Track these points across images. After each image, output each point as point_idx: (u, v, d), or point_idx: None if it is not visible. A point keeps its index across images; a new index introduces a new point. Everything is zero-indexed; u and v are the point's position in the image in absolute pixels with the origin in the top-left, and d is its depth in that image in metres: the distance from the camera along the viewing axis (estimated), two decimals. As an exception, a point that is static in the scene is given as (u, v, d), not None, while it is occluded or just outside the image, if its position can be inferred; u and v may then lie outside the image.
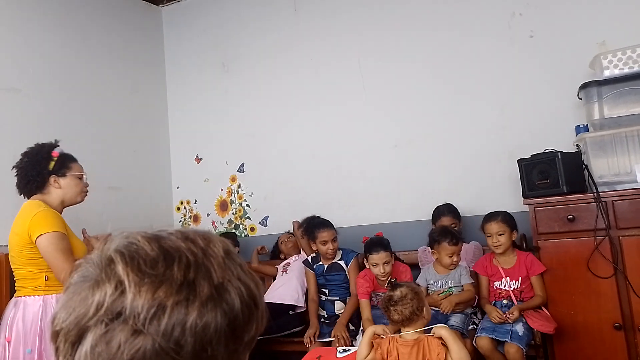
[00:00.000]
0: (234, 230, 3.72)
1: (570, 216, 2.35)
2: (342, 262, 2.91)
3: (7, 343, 1.98)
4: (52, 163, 2.15)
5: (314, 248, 2.92)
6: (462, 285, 2.53)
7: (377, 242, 2.63)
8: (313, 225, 2.92)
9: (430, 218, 2.91)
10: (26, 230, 2.00)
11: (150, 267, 0.48)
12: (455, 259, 2.51)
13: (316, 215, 3.06)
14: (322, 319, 2.86)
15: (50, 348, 1.53)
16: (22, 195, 2.17)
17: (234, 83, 3.85)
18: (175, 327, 0.46)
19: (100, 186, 3.28)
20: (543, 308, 2.41)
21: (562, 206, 2.38)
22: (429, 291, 2.57)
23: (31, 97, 3.00)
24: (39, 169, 2.13)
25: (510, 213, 2.57)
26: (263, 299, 0.56)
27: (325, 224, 2.89)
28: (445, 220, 2.77)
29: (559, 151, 2.45)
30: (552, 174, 2.43)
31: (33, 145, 2.19)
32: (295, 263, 3.11)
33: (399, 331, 2.06)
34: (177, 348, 0.45)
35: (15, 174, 2.16)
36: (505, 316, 2.29)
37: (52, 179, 2.15)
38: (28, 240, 1.99)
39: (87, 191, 2.27)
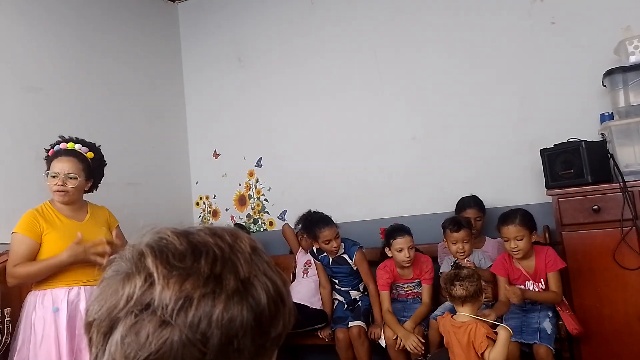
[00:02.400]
0: (244, 223, 3.73)
1: (596, 207, 2.29)
2: (345, 256, 2.85)
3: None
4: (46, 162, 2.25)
5: (316, 247, 2.86)
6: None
7: (399, 228, 2.61)
8: (312, 223, 2.79)
9: (452, 210, 2.84)
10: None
11: (179, 261, 0.49)
12: (460, 246, 2.46)
13: (313, 211, 2.95)
14: (344, 307, 2.85)
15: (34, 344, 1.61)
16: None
17: (250, 78, 3.85)
18: (202, 319, 0.46)
19: (120, 182, 3.33)
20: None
21: (587, 196, 2.32)
22: None
23: (51, 95, 3.05)
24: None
25: (528, 211, 2.42)
26: (290, 297, 0.55)
27: (324, 220, 2.76)
28: (470, 213, 2.70)
29: (583, 140, 2.39)
30: (576, 164, 2.37)
31: (96, 144, 2.36)
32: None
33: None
34: (204, 340, 0.46)
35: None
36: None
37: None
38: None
39: (59, 190, 2.16)
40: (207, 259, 0.50)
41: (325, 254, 2.90)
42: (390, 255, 2.60)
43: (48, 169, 2.19)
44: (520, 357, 2.20)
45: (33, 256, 2.08)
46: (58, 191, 2.16)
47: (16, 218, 2.31)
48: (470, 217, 2.66)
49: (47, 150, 2.25)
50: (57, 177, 2.15)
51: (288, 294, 0.55)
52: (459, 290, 1.99)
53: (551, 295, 2.31)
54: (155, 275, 0.48)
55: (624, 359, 2.20)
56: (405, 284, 2.70)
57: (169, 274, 0.48)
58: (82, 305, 2.06)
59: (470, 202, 2.77)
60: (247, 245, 0.55)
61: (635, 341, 2.17)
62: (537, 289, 2.35)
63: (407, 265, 2.60)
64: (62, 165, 2.16)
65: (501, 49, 3.00)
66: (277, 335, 0.52)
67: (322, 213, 2.86)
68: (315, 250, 2.95)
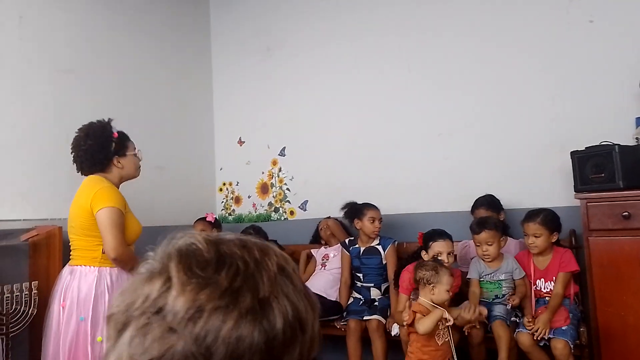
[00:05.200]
0: (265, 211, 3.75)
1: (626, 213, 2.22)
2: (379, 247, 2.90)
3: (61, 308, 2.08)
4: (114, 144, 2.24)
5: (358, 227, 2.92)
6: (511, 280, 2.45)
7: (441, 231, 2.51)
8: (360, 205, 2.96)
9: (474, 210, 2.82)
10: (89, 203, 2.08)
11: (201, 269, 0.48)
12: (485, 248, 2.42)
13: (356, 202, 3.07)
14: (360, 303, 2.86)
15: (101, 318, 1.61)
16: (80, 172, 2.26)
17: (278, 68, 3.86)
18: (210, 333, 0.45)
19: (147, 165, 3.36)
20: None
21: (618, 202, 2.26)
22: (481, 285, 2.50)
23: (83, 78, 3.11)
24: (105, 152, 2.21)
25: (555, 213, 2.43)
26: (316, 325, 0.53)
27: (372, 204, 2.93)
28: (482, 212, 2.69)
29: (617, 144, 2.31)
30: (607, 168, 2.30)
31: (90, 123, 2.25)
32: (335, 259, 3.11)
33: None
34: (207, 354, 0.44)
35: (74, 152, 2.23)
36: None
37: (115, 159, 2.24)
38: (90, 213, 2.08)
39: (140, 166, 2.36)
40: (228, 271, 0.48)
41: (357, 245, 2.92)
42: (427, 259, 2.48)
43: (123, 149, 2.24)
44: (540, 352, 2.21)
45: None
46: (140, 166, 2.34)
47: (47, 196, 2.37)
48: (480, 216, 2.63)
49: (111, 133, 2.23)
50: (138, 154, 2.32)
51: (313, 322, 0.52)
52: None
53: (557, 302, 2.31)
54: (174, 280, 0.47)
55: (647, 370, 2.16)
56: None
57: (188, 281, 0.47)
58: None
59: (482, 202, 2.75)
60: (275, 264, 0.52)
61: (660, 353, 2.12)
62: (549, 288, 2.40)
63: None
64: (133, 143, 2.32)
65: (535, 46, 2.93)
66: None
67: None
68: (347, 242, 2.99)
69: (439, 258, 2.39)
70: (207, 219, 3.49)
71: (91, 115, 2.42)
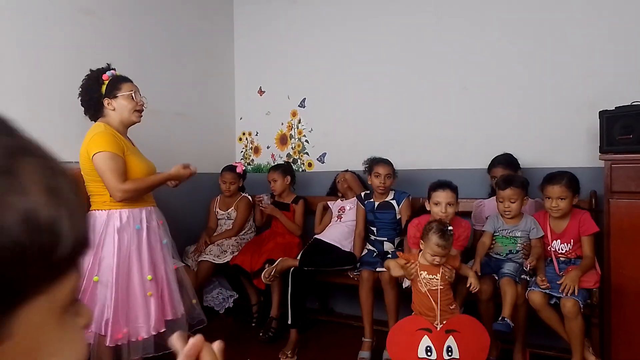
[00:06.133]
0: (284, 162, 3.76)
1: (651, 176, 2.17)
2: (393, 202, 2.92)
3: None
4: (104, 86, 2.23)
5: (370, 182, 2.96)
6: (527, 239, 2.45)
7: (444, 182, 2.48)
8: (374, 159, 2.97)
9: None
10: (86, 149, 2.12)
11: None
12: (507, 204, 2.42)
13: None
14: (374, 254, 2.91)
15: (103, 260, 1.74)
16: (88, 117, 2.30)
17: (302, 15, 3.76)
18: None
19: (168, 111, 3.41)
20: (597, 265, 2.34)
21: (644, 164, 2.20)
22: (494, 239, 2.51)
23: (105, 19, 3.08)
24: (91, 94, 2.22)
25: (575, 175, 2.39)
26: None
27: (384, 160, 2.92)
28: (499, 171, 2.67)
29: (648, 105, 2.23)
30: (636, 129, 2.23)
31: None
32: (351, 211, 3.14)
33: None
34: None
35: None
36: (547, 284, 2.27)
37: (105, 101, 2.22)
38: (89, 159, 2.11)
39: (141, 109, 2.29)
40: None
41: (372, 199, 2.96)
42: (428, 209, 2.53)
43: (114, 91, 2.23)
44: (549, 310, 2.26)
45: (127, 173, 2.16)
46: (141, 110, 2.29)
47: (69, 136, 2.41)
48: (497, 175, 2.61)
49: (99, 75, 2.25)
50: (137, 97, 2.26)
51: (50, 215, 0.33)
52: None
53: (589, 263, 2.31)
54: None
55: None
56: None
57: None
58: (154, 224, 2.24)
59: (500, 160, 2.72)
60: None
61: (671, 316, 2.12)
62: (565, 250, 2.40)
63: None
64: (134, 86, 2.27)
65: (572, 3, 2.77)
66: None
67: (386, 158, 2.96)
68: (362, 195, 3.02)
69: (436, 208, 2.43)
70: (237, 170, 3.53)
71: (111, 57, 2.43)
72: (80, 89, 2.26)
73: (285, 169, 3.45)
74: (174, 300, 2.23)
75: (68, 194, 0.34)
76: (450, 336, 2.11)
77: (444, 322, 2.14)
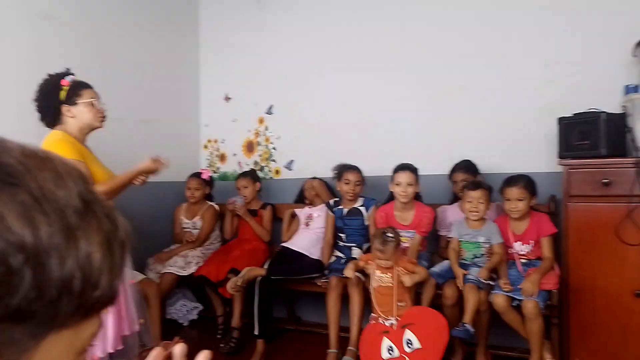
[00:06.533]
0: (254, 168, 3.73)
1: (606, 180, 2.25)
2: (362, 208, 2.94)
3: None
4: (63, 92, 2.13)
5: (338, 188, 2.97)
6: (489, 243, 2.48)
7: (405, 164, 2.69)
8: (343, 166, 3.01)
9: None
10: None
11: None
12: (475, 204, 2.47)
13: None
14: (342, 260, 2.90)
15: None
16: (44, 125, 2.18)
17: (268, 22, 3.75)
18: None
19: (130, 118, 3.32)
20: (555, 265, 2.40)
21: (599, 169, 2.28)
22: (461, 245, 2.55)
23: (65, 25, 2.99)
24: (49, 100, 2.12)
25: (531, 178, 2.47)
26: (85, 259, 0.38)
27: (354, 167, 2.97)
28: (459, 176, 2.75)
29: (603, 112, 2.31)
30: (592, 135, 2.31)
31: (48, 75, 2.17)
32: (319, 219, 3.13)
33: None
34: None
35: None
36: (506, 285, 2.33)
37: (64, 108, 2.13)
38: None
39: (103, 116, 2.22)
40: None
41: (341, 206, 2.96)
42: (391, 190, 2.69)
43: (74, 97, 2.14)
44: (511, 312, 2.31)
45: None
46: (104, 116, 2.21)
47: (34, 142, 2.32)
48: (458, 180, 2.71)
49: (57, 81, 2.14)
50: (98, 104, 2.18)
51: (45, 251, 0.35)
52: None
53: (548, 264, 2.38)
54: None
55: (612, 332, 2.23)
56: (401, 231, 2.65)
57: None
58: None
59: (461, 166, 2.80)
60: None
61: (626, 314, 2.19)
62: (525, 251, 2.47)
63: (404, 200, 2.65)
64: (94, 93, 2.19)
65: (530, 10, 2.86)
66: (15, 313, 0.34)
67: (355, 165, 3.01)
68: (332, 203, 3.02)
69: (397, 188, 2.64)
70: (203, 177, 3.46)
71: (71, 65, 2.34)
72: (38, 94, 2.15)
73: (254, 175, 3.44)
74: (131, 314, 2.14)
75: (116, 254, 0.40)
76: (407, 330, 2.26)
77: (399, 319, 2.29)
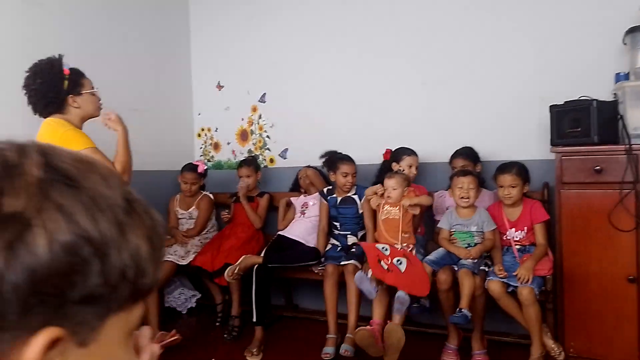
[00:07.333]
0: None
1: (598, 167, 2.29)
2: (355, 197, 2.96)
3: None
4: (66, 82, 2.11)
5: (333, 179, 2.98)
6: (482, 231, 2.52)
7: (410, 149, 2.86)
8: (337, 157, 2.99)
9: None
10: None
11: None
12: (465, 189, 2.50)
13: (337, 151, 3.08)
14: (338, 249, 2.93)
15: None
16: (36, 114, 2.15)
17: (261, 10, 3.71)
18: None
19: (122, 107, 3.25)
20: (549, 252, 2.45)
21: (591, 156, 2.31)
22: (452, 235, 2.58)
23: (54, 12, 2.93)
24: (56, 90, 2.10)
25: (524, 165, 2.52)
26: (136, 247, 0.42)
27: (348, 158, 2.97)
28: (459, 162, 2.78)
29: (595, 99, 2.34)
30: (584, 123, 2.34)
31: (39, 61, 2.12)
32: (314, 207, 3.14)
33: None
34: None
35: (26, 93, 2.11)
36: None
37: (70, 99, 2.13)
38: None
39: (101, 104, 2.27)
40: None
41: (334, 194, 2.97)
42: (396, 169, 2.78)
43: (77, 87, 2.14)
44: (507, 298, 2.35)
45: None
46: (101, 106, 2.26)
47: (14, 130, 2.29)
48: (457, 166, 2.74)
49: (60, 70, 2.11)
50: (96, 93, 2.23)
51: (120, 243, 0.40)
52: None
53: (540, 249, 2.42)
54: None
55: (606, 318, 2.29)
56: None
57: None
58: None
59: (461, 152, 2.83)
60: (36, 168, 0.38)
61: (619, 299, 2.25)
62: (519, 237, 2.52)
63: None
64: (91, 82, 2.22)
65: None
66: (87, 297, 0.38)
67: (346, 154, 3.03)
68: (325, 191, 3.03)
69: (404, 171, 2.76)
70: (199, 170, 3.43)
71: (60, 50, 2.27)
72: (39, 84, 2.09)
73: (256, 164, 3.44)
74: None
75: (157, 246, 0.45)
76: (403, 254, 2.46)
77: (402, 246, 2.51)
